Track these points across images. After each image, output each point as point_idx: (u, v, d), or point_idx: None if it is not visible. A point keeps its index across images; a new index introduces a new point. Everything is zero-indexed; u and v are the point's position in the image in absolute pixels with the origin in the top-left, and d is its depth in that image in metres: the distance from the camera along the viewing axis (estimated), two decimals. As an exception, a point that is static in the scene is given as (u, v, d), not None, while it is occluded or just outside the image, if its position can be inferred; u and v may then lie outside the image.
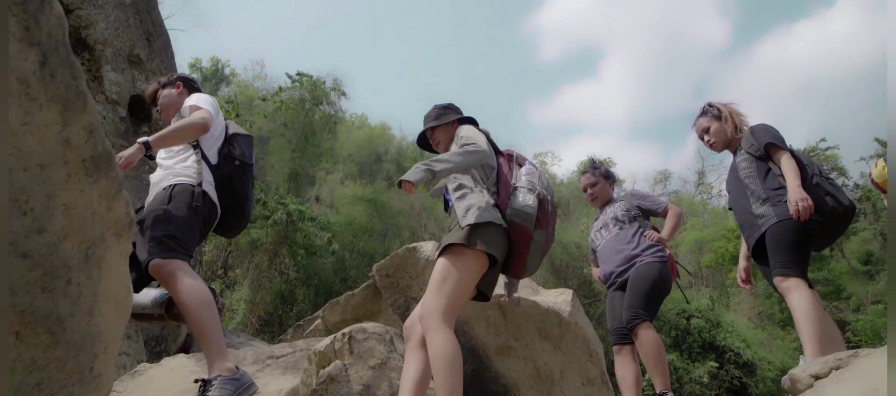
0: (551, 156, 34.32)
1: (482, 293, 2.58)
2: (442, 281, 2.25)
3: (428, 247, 3.55)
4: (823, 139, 25.21)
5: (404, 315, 3.57)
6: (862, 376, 1.87)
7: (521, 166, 2.64)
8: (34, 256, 1.00)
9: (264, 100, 18.94)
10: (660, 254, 3.38)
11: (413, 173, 2.25)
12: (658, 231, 3.55)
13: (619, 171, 32.33)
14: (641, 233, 3.50)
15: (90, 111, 1.10)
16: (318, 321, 4.53)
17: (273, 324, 13.56)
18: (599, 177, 3.88)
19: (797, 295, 2.75)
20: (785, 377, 2.33)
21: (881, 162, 3.37)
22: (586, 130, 72.78)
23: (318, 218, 14.56)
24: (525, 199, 2.41)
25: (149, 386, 2.97)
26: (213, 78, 26.68)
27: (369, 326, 2.84)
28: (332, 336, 2.86)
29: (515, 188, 2.46)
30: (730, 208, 3.35)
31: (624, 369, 3.54)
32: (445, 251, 2.31)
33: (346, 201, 18.13)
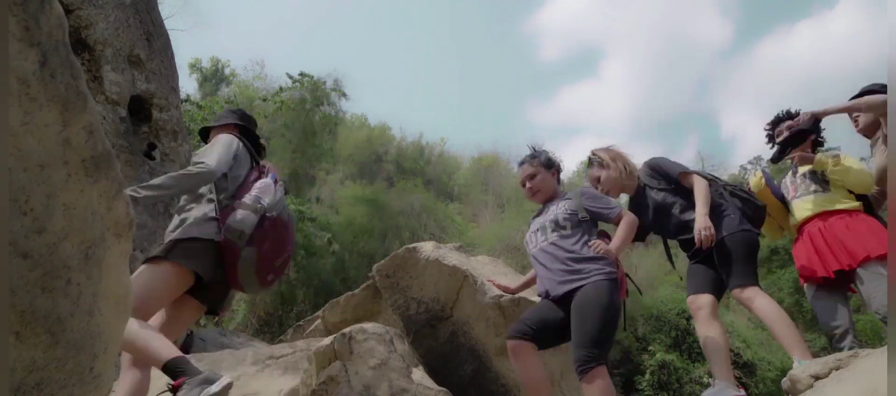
0: (551, 156, 34.28)
1: (211, 307, 2.57)
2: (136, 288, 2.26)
3: (428, 247, 3.55)
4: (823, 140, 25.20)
5: (404, 315, 3.57)
6: (862, 376, 1.87)
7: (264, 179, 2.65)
8: (34, 256, 1.00)
9: (264, 100, 18.92)
10: (609, 270, 2.73)
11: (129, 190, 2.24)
12: (609, 240, 2.92)
13: (619, 171, 32.28)
14: (586, 242, 2.82)
15: (90, 111, 1.10)
16: (318, 321, 4.53)
17: (273, 325, 13.55)
18: (539, 167, 3.13)
19: (761, 302, 2.86)
20: (785, 378, 2.33)
21: (759, 172, 3.42)
22: (587, 131, 72.83)
23: (318, 219, 14.55)
24: (240, 216, 2.39)
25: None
26: (213, 78, 26.66)
27: (369, 326, 2.84)
28: (332, 337, 2.86)
29: (239, 203, 2.46)
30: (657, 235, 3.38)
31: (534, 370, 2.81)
32: (148, 260, 2.33)
33: (347, 202, 18.12)
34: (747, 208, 3.00)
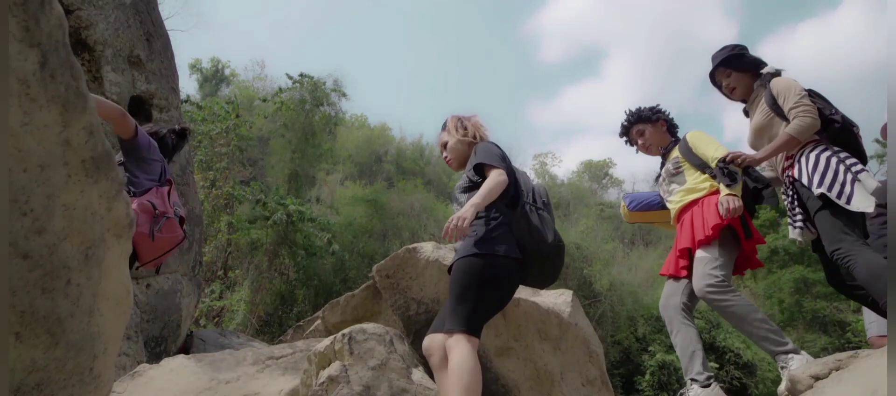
0: (551, 157, 34.37)
1: None
2: None
3: (428, 248, 3.55)
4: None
5: (404, 316, 3.57)
6: (862, 376, 1.87)
7: None
8: (34, 256, 1.00)
9: (264, 101, 18.93)
10: (474, 239, 2.25)
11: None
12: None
13: (620, 171, 32.38)
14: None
15: (90, 112, 1.10)
16: (318, 321, 4.53)
17: (273, 325, 13.55)
18: (460, 134, 2.70)
19: (454, 356, 2.09)
20: (781, 387, 2.34)
21: (622, 203, 3.21)
22: (588, 131, 72.83)
23: (318, 219, 14.55)
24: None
25: (148, 387, 2.97)
26: (214, 79, 26.67)
27: (369, 327, 2.84)
28: (331, 337, 2.86)
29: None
30: None
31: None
32: None
33: (346, 202, 18.13)
34: (523, 229, 2.25)
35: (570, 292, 3.83)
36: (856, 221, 2.46)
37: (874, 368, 1.86)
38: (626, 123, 3.22)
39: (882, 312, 2.44)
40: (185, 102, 14.17)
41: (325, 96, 18.40)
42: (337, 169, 20.76)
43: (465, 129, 2.69)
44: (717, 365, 14.75)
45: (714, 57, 2.95)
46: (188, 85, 26.21)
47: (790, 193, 2.73)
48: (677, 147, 3.02)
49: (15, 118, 0.95)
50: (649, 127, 3.12)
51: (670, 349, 14.81)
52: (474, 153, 2.46)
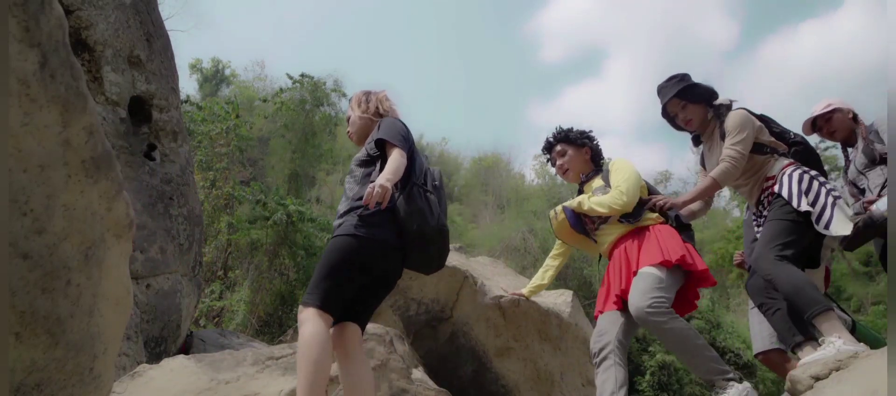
0: (551, 157, 34.28)
1: None
2: None
3: (428, 248, 3.54)
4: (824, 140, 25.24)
5: (404, 316, 3.57)
6: (862, 377, 1.87)
7: None
8: (34, 257, 1.00)
9: (264, 101, 18.93)
10: (356, 220, 2.19)
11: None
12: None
13: (619, 172, 32.33)
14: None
15: (90, 112, 1.10)
16: (318, 322, 4.53)
17: (273, 325, 13.54)
18: (362, 109, 2.68)
19: (305, 330, 2.05)
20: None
21: (560, 210, 2.90)
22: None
23: (318, 219, 14.55)
24: None
25: (148, 387, 2.97)
26: (214, 79, 26.67)
27: (369, 327, 2.84)
28: (331, 337, 2.86)
29: None
30: None
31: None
32: None
33: (346, 202, 18.07)
34: (407, 211, 2.19)
35: (571, 292, 3.83)
36: (804, 244, 2.43)
37: (874, 368, 1.86)
38: (550, 140, 3.01)
39: (804, 326, 2.32)
40: (186, 102, 14.18)
41: (325, 96, 18.41)
42: (337, 169, 20.76)
43: (368, 104, 2.65)
44: (717, 366, 14.75)
45: (662, 89, 2.86)
46: (188, 85, 26.21)
47: (761, 215, 2.64)
48: (599, 176, 2.87)
49: (15, 118, 0.95)
50: (572, 149, 2.93)
51: (668, 350, 14.80)
52: (377, 128, 2.42)
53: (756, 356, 3.25)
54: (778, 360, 3.03)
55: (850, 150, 3.09)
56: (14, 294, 0.97)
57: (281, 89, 18.15)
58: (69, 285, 1.07)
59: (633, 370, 15.34)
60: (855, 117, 3.03)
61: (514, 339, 3.50)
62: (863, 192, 2.95)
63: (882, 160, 2.81)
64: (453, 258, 3.52)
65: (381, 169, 2.22)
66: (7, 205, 0.95)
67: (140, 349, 5.13)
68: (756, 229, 2.70)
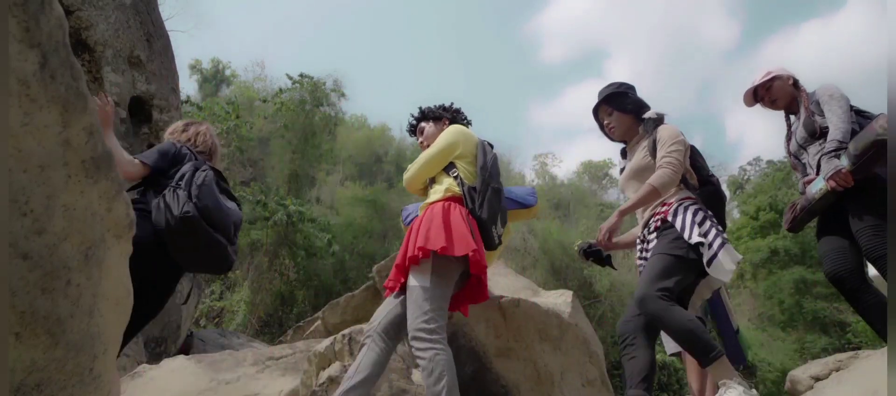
0: (551, 157, 34.36)
1: None
2: None
3: (428, 248, 3.54)
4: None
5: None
6: (862, 377, 1.87)
7: None
8: (34, 257, 1.00)
9: (264, 101, 18.93)
10: None
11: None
12: None
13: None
14: None
15: (90, 112, 1.10)
16: (318, 322, 4.54)
17: (273, 325, 13.55)
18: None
19: None
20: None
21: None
22: (590, 132, 72.87)
23: (318, 219, 14.56)
24: None
25: (148, 387, 2.97)
26: (214, 79, 26.68)
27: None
28: (331, 338, 2.86)
29: None
30: None
31: None
32: None
33: (346, 203, 18.13)
34: (156, 209, 2.32)
35: (571, 292, 3.83)
36: (688, 282, 2.37)
37: (874, 369, 1.86)
38: (413, 121, 2.91)
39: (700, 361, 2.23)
40: (186, 102, 14.18)
41: (324, 97, 18.41)
42: (337, 170, 20.77)
43: (182, 133, 2.85)
44: (717, 366, 14.75)
45: (599, 93, 2.84)
46: (188, 86, 26.19)
47: (647, 240, 2.58)
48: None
49: (15, 119, 0.95)
50: (430, 125, 2.79)
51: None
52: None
53: (671, 355, 3.30)
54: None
55: (793, 118, 3.00)
56: (14, 294, 0.97)
57: (281, 90, 18.16)
58: (69, 285, 1.07)
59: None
60: (795, 84, 2.96)
61: (515, 339, 3.50)
62: (805, 167, 2.86)
63: (822, 134, 2.72)
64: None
65: (151, 189, 2.39)
66: (7, 205, 0.95)
67: (140, 349, 5.13)
68: (638, 253, 2.61)
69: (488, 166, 2.44)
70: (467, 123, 2.81)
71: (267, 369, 3.16)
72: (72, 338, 1.09)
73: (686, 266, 2.29)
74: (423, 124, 2.81)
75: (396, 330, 2.30)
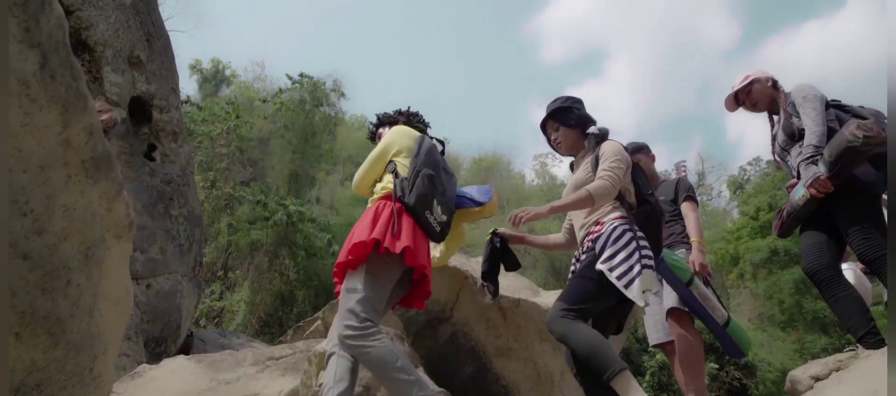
0: (551, 157, 34.29)
1: None
2: None
3: (428, 248, 3.54)
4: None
5: (404, 316, 3.57)
6: (862, 377, 1.87)
7: None
8: (34, 257, 1.00)
9: (264, 101, 18.93)
10: None
11: None
12: None
13: (619, 172, 32.48)
14: None
15: (90, 112, 1.10)
16: (318, 322, 4.53)
17: (273, 325, 13.55)
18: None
19: None
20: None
21: None
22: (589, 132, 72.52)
23: (318, 219, 14.56)
24: None
25: (149, 387, 2.97)
26: (214, 79, 26.67)
27: (369, 327, 2.83)
28: (332, 338, 2.86)
29: None
30: None
31: None
32: None
33: (346, 203, 18.12)
34: None
35: (571, 292, 3.83)
36: (605, 304, 2.34)
37: (874, 369, 1.87)
38: (372, 128, 2.94)
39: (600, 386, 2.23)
40: (186, 102, 14.18)
41: (324, 97, 18.42)
42: (337, 170, 20.75)
43: None
44: (717, 366, 14.75)
45: (547, 107, 2.83)
46: (188, 86, 26.17)
47: (579, 259, 2.55)
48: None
49: (15, 118, 0.95)
50: (386, 130, 2.79)
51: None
52: None
53: (653, 346, 3.36)
54: (672, 350, 3.16)
55: (776, 117, 3.00)
56: (14, 294, 0.97)
57: (280, 90, 18.16)
58: (69, 285, 1.07)
59: (633, 370, 15.35)
60: (775, 85, 2.97)
61: (515, 339, 3.50)
62: (790, 169, 2.86)
63: (800, 136, 2.72)
64: (454, 259, 3.52)
65: None
66: (7, 205, 0.95)
67: (140, 349, 5.13)
68: (571, 273, 2.59)
69: (421, 155, 2.42)
70: (424, 126, 2.81)
71: (267, 369, 3.16)
72: (72, 338, 1.09)
73: (601, 290, 2.27)
74: (380, 130, 2.82)
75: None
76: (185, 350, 6.24)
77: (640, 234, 2.41)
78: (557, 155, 2.83)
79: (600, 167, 2.49)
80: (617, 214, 2.48)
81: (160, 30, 6.68)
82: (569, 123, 2.72)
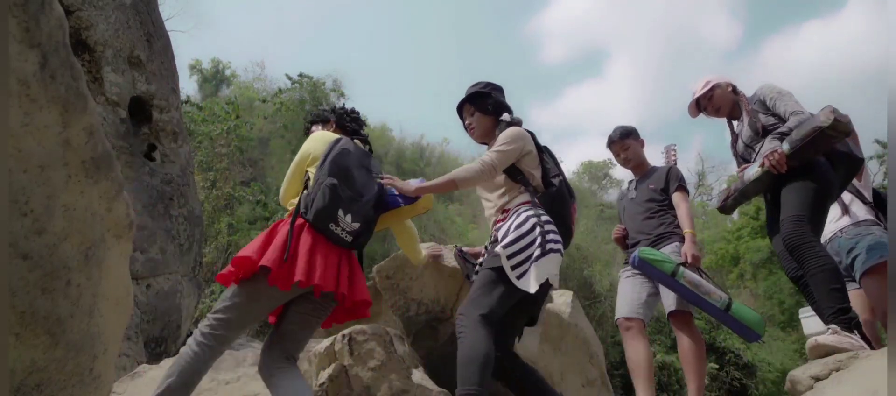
0: (551, 157, 34.26)
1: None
2: None
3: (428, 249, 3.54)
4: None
5: (404, 316, 3.57)
6: (862, 377, 1.87)
7: None
8: (34, 257, 1.00)
9: (264, 101, 18.93)
10: None
11: None
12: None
13: (620, 173, 32.45)
14: None
15: (90, 112, 1.10)
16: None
17: (273, 325, 13.53)
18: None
19: None
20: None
21: None
22: (590, 132, 72.66)
23: (318, 219, 14.52)
24: None
25: (149, 388, 2.97)
26: (214, 79, 26.66)
27: (369, 327, 2.84)
28: (331, 338, 2.86)
29: None
30: None
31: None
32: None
33: (347, 203, 18.04)
34: None
35: (571, 293, 3.83)
36: (513, 299, 2.26)
37: (874, 369, 1.86)
38: (306, 126, 2.91)
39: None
40: (186, 102, 14.18)
41: (324, 96, 18.42)
42: (337, 170, 20.70)
43: None
44: (717, 366, 14.75)
45: (466, 91, 2.81)
46: (188, 86, 26.16)
47: (488, 250, 2.50)
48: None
49: (15, 119, 0.95)
50: (318, 129, 2.74)
51: (670, 349, 14.81)
52: None
53: (618, 320, 3.24)
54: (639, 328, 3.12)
55: (736, 123, 3.04)
56: (14, 294, 0.97)
57: (280, 90, 18.15)
58: (69, 285, 1.07)
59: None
60: (734, 90, 2.99)
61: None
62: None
63: (765, 132, 2.74)
64: (453, 259, 3.52)
65: None
66: (7, 205, 0.95)
67: (140, 349, 5.13)
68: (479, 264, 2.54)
69: (325, 164, 2.28)
70: (357, 125, 2.70)
71: (267, 369, 3.16)
72: (72, 338, 1.09)
73: (507, 285, 2.21)
74: (313, 128, 2.72)
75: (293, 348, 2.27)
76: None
77: (545, 218, 2.34)
78: (557, 157, 2.77)
79: (486, 151, 2.45)
80: (521, 200, 2.41)
81: (160, 30, 6.68)
82: (484, 109, 2.67)
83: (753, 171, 2.65)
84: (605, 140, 3.60)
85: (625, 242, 3.35)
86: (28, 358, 1.01)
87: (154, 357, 5.19)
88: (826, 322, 2.33)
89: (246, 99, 20.06)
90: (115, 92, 5.47)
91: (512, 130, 2.52)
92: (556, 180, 2.51)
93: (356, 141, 2.55)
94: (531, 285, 2.17)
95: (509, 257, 2.21)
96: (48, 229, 1.02)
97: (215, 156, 13.94)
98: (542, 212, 2.36)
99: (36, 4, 0.98)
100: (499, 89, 2.75)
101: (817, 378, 2.09)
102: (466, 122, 2.75)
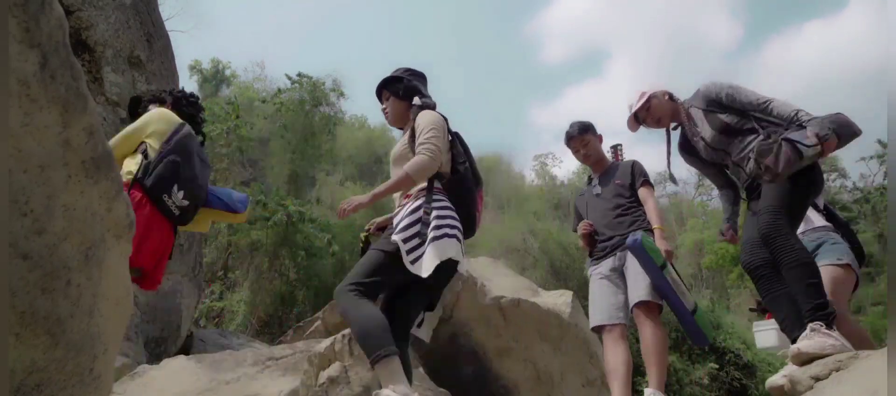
0: (551, 157, 34.30)
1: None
2: None
3: (428, 248, 3.54)
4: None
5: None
6: (862, 377, 1.87)
7: None
8: (34, 257, 1.00)
9: (264, 102, 18.92)
10: None
11: None
12: None
13: (619, 172, 32.48)
14: None
15: (90, 113, 1.10)
16: (318, 322, 4.53)
17: (273, 326, 13.54)
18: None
19: None
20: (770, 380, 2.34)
21: None
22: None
23: (318, 219, 14.55)
24: None
25: (148, 387, 2.97)
26: (214, 79, 26.68)
27: (369, 327, 2.83)
28: (332, 338, 2.86)
29: None
30: None
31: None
32: None
33: (346, 203, 18.03)
34: None
35: (571, 292, 3.83)
36: (395, 280, 2.27)
37: (874, 369, 1.86)
38: (145, 103, 3.17)
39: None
40: (186, 102, 14.15)
41: (324, 96, 18.40)
42: (337, 170, 20.74)
43: None
44: (716, 366, 14.74)
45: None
46: (188, 86, 26.13)
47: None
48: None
49: (15, 119, 0.95)
50: (154, 106, 3.01)
51: (670, 349, 14.81)
52: None
53: (594, 328, 3.17)
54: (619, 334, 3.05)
55: (674, 131, 2.96)
56: (14, 294, 0.97)
57: (280, 90, 18.14)
58: (69, 285, 1.07)
59: (633, 370, 15.33)
60: (671, 97, 2.92)
61: (514, 339, 3.50)
62: (742, 160, 2.68)
63: (730, 129, 2.63)
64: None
65: None
66: (7, 205, 0.95)
67: (140, 349, 5.13)
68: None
69: (172, 141, 2.53)
70: (194, 110, 2.97)
71: (267, 369, 3.16)
72: (72, 338, 1.09)
73: (394, 264, 2.21)
74: (151, 106, 2.95)
75: None
76: (186, 349, 6.24)
77: (445, 203, 2.35)
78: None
79: (418, 141, 2.42)
80: (421, 186, 2.41)
81: (160, 30, 6.68)
82: (397, 93, 2.66)
83: (812, 144, 2.34)
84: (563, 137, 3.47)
85: (592, 238, 3.26)
86: (28, 358, 1.01)
87: (154, 357, 5.19)
88: (803, 320, 2.28)
89: (246, 99, 20.06)
90: (115, 92, 5.47)
91: (430, 114, 2.51)
92: (461, 167, 2.49)
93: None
94: (424, 269, 2.17)
95: (404, 241, 2.22)
96: (48, 229, 1.02)
97: (215, 156, 13.94)
98: (442, 198, 2.36)
99: (36, 4, 0.98)
100: (419, 76, 2.75)
101: (817, 378, 2.09)
102: (383, 106, 2.75)
